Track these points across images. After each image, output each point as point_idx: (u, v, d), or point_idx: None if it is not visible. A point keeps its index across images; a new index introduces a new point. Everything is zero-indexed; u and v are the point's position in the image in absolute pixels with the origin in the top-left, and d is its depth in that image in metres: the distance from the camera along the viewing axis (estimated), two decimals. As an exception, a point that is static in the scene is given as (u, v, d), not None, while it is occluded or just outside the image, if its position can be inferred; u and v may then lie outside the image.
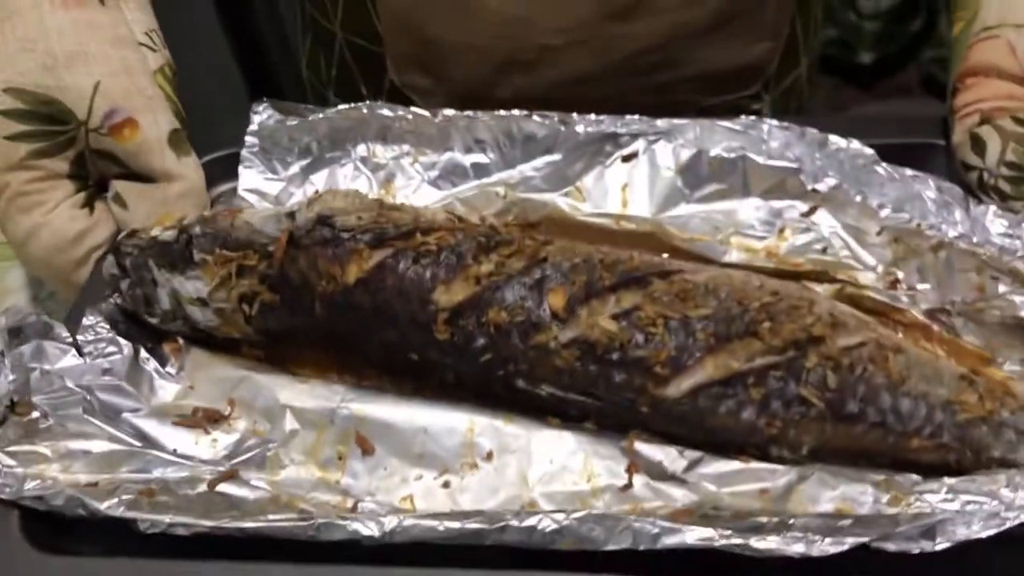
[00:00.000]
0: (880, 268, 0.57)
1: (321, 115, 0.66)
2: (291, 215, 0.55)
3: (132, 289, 0.57)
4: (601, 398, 0.51)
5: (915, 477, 0.46)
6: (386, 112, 0.65)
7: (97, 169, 0.64)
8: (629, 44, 0.72)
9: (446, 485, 0.51)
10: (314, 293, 0.54)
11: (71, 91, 0.61)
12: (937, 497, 0.44)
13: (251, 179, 0.65)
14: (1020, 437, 0.47)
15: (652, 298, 0.51)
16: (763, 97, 0.79)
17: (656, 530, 0.43)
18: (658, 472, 0.50)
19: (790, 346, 0.49)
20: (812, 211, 0.60)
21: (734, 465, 0.49)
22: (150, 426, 0.54)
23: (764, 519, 0.44)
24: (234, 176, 0.67)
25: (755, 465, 0.49)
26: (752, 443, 0.49)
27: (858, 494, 0.46)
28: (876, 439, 0.48)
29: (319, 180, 0.66)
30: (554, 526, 0.44)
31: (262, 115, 0.66)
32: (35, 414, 0.52)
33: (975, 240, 0.55)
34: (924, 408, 0.48)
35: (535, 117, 0.64)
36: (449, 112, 0.65)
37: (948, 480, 0.45)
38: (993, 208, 0.57)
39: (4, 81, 0.60)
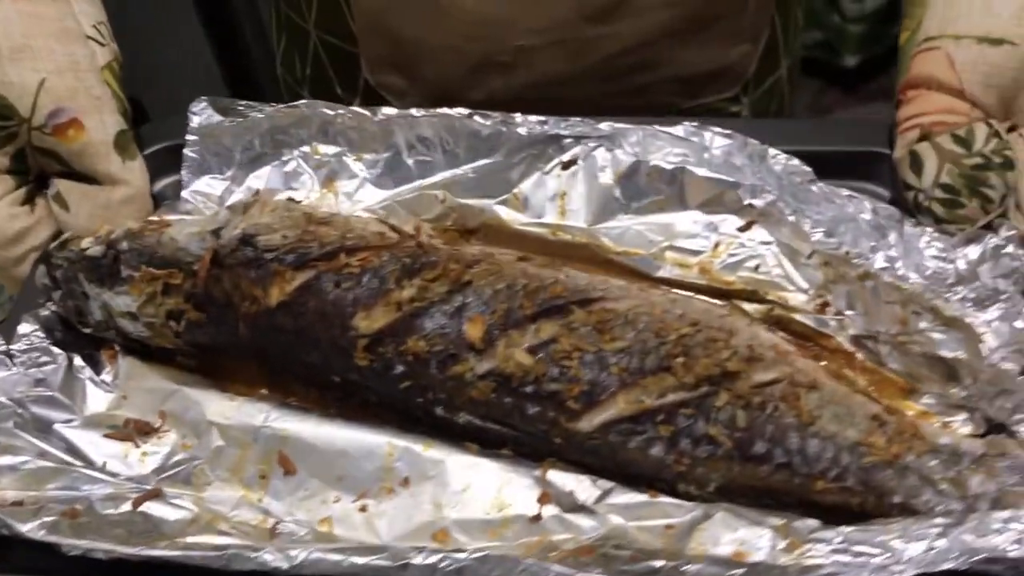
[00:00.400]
0: (811, 290, 0.56)
1: (262, 113, 0.65)
2: (216, 232, 0.55)
3: (64, 300, 0.58)
4: (517, 428, 0.51)
5: (813, 523, 0.47)
6: (326, 110, 0.64)
7: (38, 165, 0.63)
8: (607, 46, 0.70)
9: (363, 509, 0.52)
10: (238, 313, 0.54)
11: (15, 87, 0.60)
12: (829, 547, 0.45)
13: (193, 179, 0.65)
14: (923, 482, 0.47)
15: (570, 329, 0.51)
16: (742, 100, 0.77)
17: (552, 574, 0.45)
18: (569, 503, 0.50)
19: (703, 382, 0.49)
20: (748, 226, 0.59)
21: (643, 498, 0.50)
22: (81, 438, 0.55)
23: (659, 563, 0.45)
24: (178, 169, 0.66)
25: (663, 499, 0.50)
26: (661, 478, 0.50)
27: (756, 538, 0.47)
28: (782, 480, 0.48)
29: (261, 178, 0.65)
30: (455, 565, 0.46)
31: (200, 115, 0.65)
32: (-35, 427, 0.53)
33: (901, 272, 0.54)
34: (831, 450, 0.48)
35: (477, 117, 0.63)
36: (389, 111, 0.64)
37: (844, 529, 0.46)
38: (929, 231, 0.56)
39: None
